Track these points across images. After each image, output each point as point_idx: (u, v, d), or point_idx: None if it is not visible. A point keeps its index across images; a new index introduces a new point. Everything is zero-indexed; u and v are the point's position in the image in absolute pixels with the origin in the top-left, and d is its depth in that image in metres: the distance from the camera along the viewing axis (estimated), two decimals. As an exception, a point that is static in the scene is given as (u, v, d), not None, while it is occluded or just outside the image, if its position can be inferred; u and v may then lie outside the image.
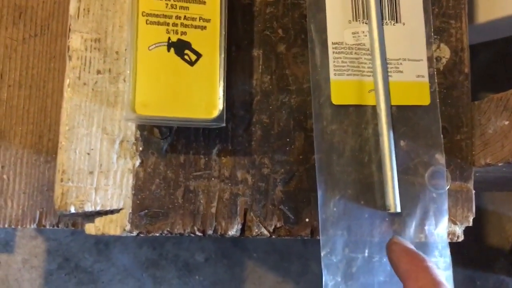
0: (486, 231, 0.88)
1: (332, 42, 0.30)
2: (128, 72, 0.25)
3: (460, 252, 0.82)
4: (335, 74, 0.30)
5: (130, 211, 0.27)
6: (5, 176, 0.42)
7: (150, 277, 0.85)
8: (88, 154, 0.27)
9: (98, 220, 0.27)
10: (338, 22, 0.30)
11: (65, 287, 0.82)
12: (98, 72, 0.27)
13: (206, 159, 0.28)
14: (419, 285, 0.23)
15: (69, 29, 0.27)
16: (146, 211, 0.27)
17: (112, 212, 0.27)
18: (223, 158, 0.28)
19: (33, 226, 0.43)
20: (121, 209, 0.27)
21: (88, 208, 0.26)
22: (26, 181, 0.43)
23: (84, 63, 0.27)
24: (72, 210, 0.26)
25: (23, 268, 0.81)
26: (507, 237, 0.88)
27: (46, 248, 0.83)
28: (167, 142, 0.28)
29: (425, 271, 0.24)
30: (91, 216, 0.28)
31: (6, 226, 0.42)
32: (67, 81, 0.27)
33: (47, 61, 0.44)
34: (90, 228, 0.27)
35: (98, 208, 0.26)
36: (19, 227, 0.43)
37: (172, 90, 0.25)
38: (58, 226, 0.43)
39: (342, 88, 0.30)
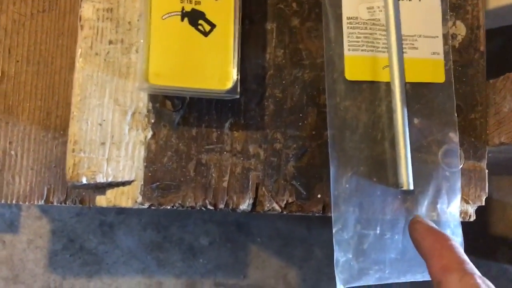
0: (490, 219, 0.88)
1: (347, 17, 0.30)
2: (141, 41, 0.25)
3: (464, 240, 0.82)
4: (349, 50, 0.29)
5: (142, 183, 0.27)
6: (12, 152, 0.42)
7: (154, 259, 0.85)
8: (100, 125, 0.26)
9: (110, 192, 0.27)
10: (353, -3, 0.30)
11: (69, 268, 0.82)
12: (110, 42, 0.27)
13: (218, 132, 0.28)
14: (443, 263, 0.23)
15: (82, -1, 0.27)
16: (158, 183, 0.27)
17: (123, 184, 0.27)
18: (235, 132, 0.28)
19: (41, 202, 0.43)
20: (132, 181, 0.27)
21: (100, 179, 0.26)
22: (33, 157, 0.43)
23: (96, 32, 0.27)
24: (84, 181, 0.26)
25: (27, 248, 0.81)
26: (511, 225, 0.88)
27: (51, 228, 0.83)
28: (179, 115, 0.27)
29: (449, 249, 0.24)
30: (102, 188, 0.28)
31: (14, 202, 0.42)
32: (79, 51, 0.27)
33: (55, 37, 0.44)
34: (101, 201, 0.27)
35: (109, 180, 0.26)
36: (26, 203, 0.42)
37: (185, 60, 0.25)
38: (65, 203, 0.43)
39: (356, 64, 0.29)
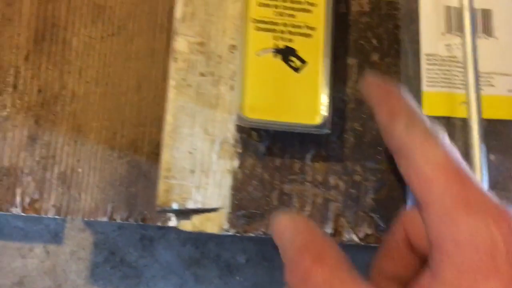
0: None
1: (425, 54, 0.30)
2: (238, 76, 0.26)
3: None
4: (427, 85, 0.30)
5: (229, 210, 0.28)
6: (80, 170, 0.44)
7: (192, 275, 0.86)
8: (190, 153, 0.28)
9: (196, 218, 0.28)
10: (431, 34, 0.31)
11: (109, 280, 0.84)
12: (202, 74, 0.28)
13: (301, 163, 0.29)
14: (389, 108, 0.20)
15: (175, 32, 0.28)
16: (244, 211, 0.28)
17: (209, 210, 0.28)
18: (316, 163, 0.29)
19: (105, 219, 0.44)
20: (219, 208, 0.28)
21: (190, 205, 0.27)
22: (99, 175, 0.44)
23: (189, 65, 0.28)
24: (175, 206, 0.27)
25: (70, 259, 0.83)
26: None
27: (94, 240, 0.85)
28: (265, 145, 0.28)
29: (398, 97, 0.21)
30: (185, 213, 0.29)
31: (80, 217, 0.43)
32: (172, 83, 0.28)
33: (122, 60, 0.46)
34: (186, 225, 0.28)
35: (198, 206, 0.27)
36: (91, 219, 0.44)
37: (278, 95, 0.26)
38: (128, 221, 0.44)
39: (433, 100, 0.30)
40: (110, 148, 0.45)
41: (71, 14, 0.45)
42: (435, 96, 0.30)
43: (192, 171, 0.27)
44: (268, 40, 0.27)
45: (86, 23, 0.45)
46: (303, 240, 0.19)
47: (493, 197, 0.17)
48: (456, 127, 0.30)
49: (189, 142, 0.27)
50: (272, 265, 0.85)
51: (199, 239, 0.85)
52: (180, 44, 0.28)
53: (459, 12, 0.31)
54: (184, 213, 0.29)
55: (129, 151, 0.45)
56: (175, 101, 0.28)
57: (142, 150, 0.45)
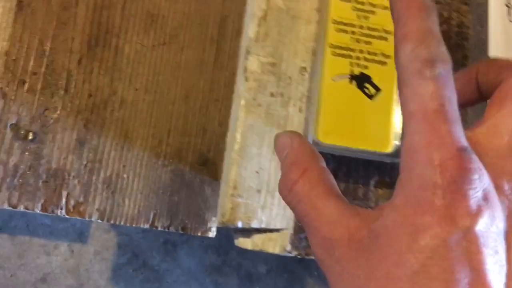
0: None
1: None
2: (313, 100, 0.26)
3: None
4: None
5: (292, 232, 0.28)
6: (125, 176, 0.44)
7: (212, 282, 0.86)
8: (257, 172, 0.28)
9: (257, 237, 0.28)
10: (499, 67, 0.31)
11: (131, 283, 0.84)
12: (272, 95, 0.28)
13: (365, 189, 0.29)
14: (405, 30, 0.19)
15: (247, 51, 0.29)
16: (306, 234, 0.28)
17: (271, 230, 0.28)
18: (380, 189, 0.29)
19: (146, 226, 0.44)
20: (282, 229, 0.28)
21: (255, 224, 0.27)
22: (143, 182, 0.45)
23: (259, 85, 0.28)
24: (240, 225, 0.27)
25: (94, 259, 0.84)
26: None
27: (118, 242, 0.85)
28: (330, 169, 0.29)
29: (419, 18, 0.19)
30: (246, 231, 0.29)
31: (122, 223, 0.44)
32: (242, 101, 0.28)
33: (172, 69, 0.46)
34: (246, 243, 0.28)
35: (262, 226, 0.28)
36: (133, 226, 0.44)
37: (352, 122, 0.26)
38: (169, 229, 0.44)
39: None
40: (155, 156, 0.46)
41: (124, 21, 0.46)
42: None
43: (259, 191, 0.27)
44: (344, 66, 0.27)
45: (139, 31, 0.46)
46: (294, 157, 0.21)
47: (457, 142, 0.17)
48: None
49: (257, 162, 0.28)
50: (292, 277, 0.85)
51: (222, 246, 0.85)
52: (252, 63, 0.28)
53: (528, 46, 0.31)
54: (244, 231, 0.29)
55: (173, 159, 0.46)
56: (245, 120, 0.28)
57: (186, 160, 0.45)
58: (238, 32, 0.47)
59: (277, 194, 0.28)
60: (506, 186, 0.18)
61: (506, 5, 0.31)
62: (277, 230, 0.28)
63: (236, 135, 0.28)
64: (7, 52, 0.43)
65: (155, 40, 0.46)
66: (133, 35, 0.45)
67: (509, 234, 0.18)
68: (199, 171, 0.46)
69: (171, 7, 0.47)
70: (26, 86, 0.43)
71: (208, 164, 0.46)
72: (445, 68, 0.18)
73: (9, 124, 0.42)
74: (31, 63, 0.43)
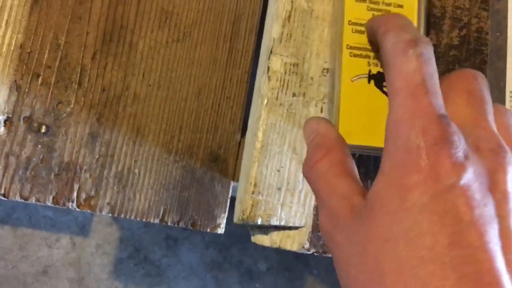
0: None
1: (510, 91, 0.31)
2: (334, 101, 0.27)
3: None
4: (508, 123, 0.31)
5: (310, 230, 0.28)
6: (136, 170, 0.44)
7: (213, 278, 0.87)
8: (278, 171, 0.28)
9: (275, 234, 0.29)
10: (515, 73, 0.31)
11: (132, 277, 0.84)
12: (294, 95, 0.29)
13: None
14: (387, 27, 0.22)
15: (271, 51, 0.29)
16: (324, 232, 0.28)
17: (289, 228, 0.28)
18: (397, 190, 0.29)
19: (156, 221, 0.45)
20: (301, 227, 0.28)
21: (274, 222, 0.28)
22: (154, 177, 0.45)
23: (282, 85, 0.29)
24: (259, 222, 0.28)
25: (95, 253, 0.84)
26: None
27: (119, 236, 0.85)
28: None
29: (398, 19, 0.23)
30: (263, 228, 0.29)
31: (132, 217, 0.44)
32: (265, 100, 0.29)
33: (185, 66, 0.46)
34: (264, 240, 0.29)
35: (282, 223, 0.28)
36: (143, 220, 0.45)
37: (372, 121, 0.27)
38: (178, 224, 0.45)
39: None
40: (166, 152, 0.46)
41: (139, 18, 0.46)
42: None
43: (279, 189, 0.28)
44: (363, 66, 0.27)
45: (153, 27, 0.46)
46: (319, 140, 0.23)
47: (438, 110, 0.19)
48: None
49: (278, 160, 0.28)
50: (293, 275, 0.86)
51: (223, 243, 0.86)
52: (275, 63, 0.29)
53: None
54: (261, 227, 0.29)
55: (184, 156, 0.46)
56: (267, 119, 0.28)
57: (197, 156, 0.46)
58: (251, 30, 0.48)
59: (296, 192, 0.28)
60: (483, 147, 0.20)
61: (524, 13, 0.31)
62: (295, 228, 0.28)
63: (258, 134, 0.28)
64: (22, 45, 0.43)
65: (169, 37, 0.46)
66: (147, 31, 0.45)
67: (493, 191, 0.19)
68: (209, 167, 0.47)
69: (185, 4, 0.47)
70: (40, 79, 0.43)
71: (218, 161, 0.46)
72: (426, 47, 0.20)
73: (22, 117, 0.43)
74: (46, 56, 0.43)
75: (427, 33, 0.30)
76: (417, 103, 0.19)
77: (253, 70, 0.43)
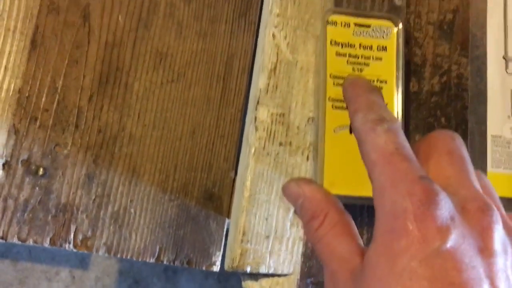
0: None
1: (491, 135, 0.32)
2: (317, 152, 0.27)
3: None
4: (492, 166, 0.31)
5: (298, 277, 0.29)
6: (132, 210, 0.45)
7: (212, 309, 0.86)
8: (266, 219, 0.29)
9: (265, 281, 0.29)
10: (497, 116, 0.32)
11: (132, 309, 0.84)
12: (280, 144, 0.30)
13: (369, 234, 0.30)
14: (355, 106, 0.24)
15: (258, 102, 0.30)
16: (312, 279, 0.29)
17: (279, 275, 0.29)
18: (383, 235, 0.30)
19: (152, 260, 0.45)
20: (289, 274, 0.29)
21: (263, 270, 0.28)
22: (150, 217, 0.45)
23: (269, 134, 0.30)
24: (248, 270, 0.28)
25: (95, 286, 0.84)
26: None
27: (119, 268, 0.85)
28: (336, 216, 0.30)
29: (365, 96, 0.24)
30: (254, 274, 0.30)
31: (129, 257, 0.44)
32: (252, 150, 0.30)
33: (180, 106, 0.47)
34: (254, 286, 0.29)
35: (271, 271, 0.28)
36: (139, 260, 0.45)
37: (355, 170, 0.28)
38: (174, 263, 0.45)
39: (498, 181, 0.31)
40: (162, 191, 0.47)
41: (134, 60, 0.47)
42: (500, 177, 0.31)
43: (267, 237, 0.29)
44: (345, 118, 0.28)
45: (148, 69, 0.47)
46: (310, 205, 0.23)
47: (417, 172, 0.20)
48: (516, 208, 0.31)
49: (266, 209, 0.29)
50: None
51: (222, 273, 0.85)
52: (262, 114, 0.30)
53: (524, 97, 0.32)
54: (252, 274, 0.30)
55: (180, 194, 0.47)
56: (254, 168, 0.29)
57: (192, 194, 0.46)
58: (244, 69, 0.49)
59: (285, 240, 0.29)
60: (469, 207, 0.20)
61: (504, 58, 0.32)
62: (284, 275, 0.29)
63: (246, 183, 0.29)
64: (20, 90, 0.44)
65: (163, 78, 0.48)
66: (142, 73, 0.47)
67: (482, 251, 0.19)
68: (204, 205, 0.47)
69: (179, 45, 0.49)
70: (38, 122, 0.44)
71: (213, 199, 0.47)
72: (392, 124, 0.22)
73: (20, 160, 0.44)
74: (43, 100, 0.44)
75: (407, 83, 0.31)
76: (396, 169, 0.20)
77: (246, 108, 0.44)
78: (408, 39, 0.31)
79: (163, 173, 0.47)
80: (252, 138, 0.29)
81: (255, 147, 0.29)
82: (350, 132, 0.28)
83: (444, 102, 0.32)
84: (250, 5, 0.50)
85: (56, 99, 0.44)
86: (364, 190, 0.27)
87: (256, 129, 0.30)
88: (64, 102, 0.45)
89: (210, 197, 0.47)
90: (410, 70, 0.32)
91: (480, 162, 0.31)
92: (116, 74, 0.47)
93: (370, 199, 0.27)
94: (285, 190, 0.25)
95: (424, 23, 0.32)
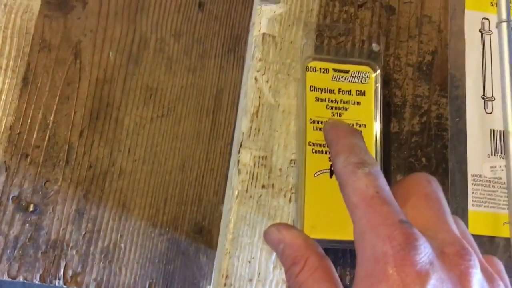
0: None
1: (472, 174, 0.32)
2: (298, 196, 0.28)
3: None
4: (473, 205, 0.32)
5: (282, 320, 0.29)
6: (122, 245, 0.45)
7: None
8: (249, 262, 0.29)
9: (249, 324, 0.29)
10: (477, 155, 0.33)
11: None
12: (263, 186, 0.30)
13: (351, 276, 0.30)
14: (337, 149, 0.24)
15: (240, 145, 0.31)
16: (296, 321, 0.29)
17: (263, 318, 0.29)
18: (366, 276, 0.30)
19: (142, 295, 0.45)
20: (273, 317, 0.29)
21: (246, 314, 0.28)
22: (140, 252, 0.46)
23: (252, 177, 0.30)
24: (232, 314, 0.28)
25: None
26: None
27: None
28: (318, 257, 0.30)
29: (346, 137, 0.24)
30: (238, 317, 0.30)
31: (118, 293, 0.44)
32: (235, 193, 0.30)
33: (170, 140, 0.48)
34: (238, 329, 0.30)
35: (254, 315, 0.29)
36: (129, 295, 0.45)
37: (336, 215, 0.28)
38: (164, 298, 0.45)
39: (478, 219, 0.32)
40: (152, 225, 0.47)
41: (125, 95, 0.48)
42: (480, 216, 0.32)
43: (250, 280, 0.29)
44: (324, 162, 0.29)
45: (138, 104, 0.48)
46: (290, 251, 0.24)
47: (397, 216, 0.20)
48: (499, 246, 0.32)
49: (249, 251, 0.29)
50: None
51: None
52: (245, 157, 0.30)
53: (504, 135, 0.33)
54: (236, 317, 0.30)
55: (169, 228, 0.47)
56: (237, 211, 0.29)
57: (182, 228, 0.47)
58: (233, 103, 0.50)
59: (268, 282, 0.29)
60: (448, 251, 0.21)
61: (482, 97, 0.33)
62: (268, 318, 0.29)
63: (229, 225, 0.29)
64: (11, 127, 0.45)
65: (153, 113, 0.48)
66: (133, 108, 0.47)
67: None
68: (194, 239, 0.47)
69: (169, 80, 0.49)
70: (29, 159, 0.45)
71: (203, 232, 0.47)
72: (372, 167, 0.22)
73: (11, 197, 0.44)
74: (35, 136, 0.45)
75: (388, 123, 0.31)
76: (377, 213, 0.20)
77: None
78: (388, 81, 0.32)
79: (153, 207, 0.47)
80: (235, 181, 0.30)
81: (238, 190, 0.30)
82: (331, 176, 0.29)
83: (424, 142, 0.32)
84: (239, 40, 0.51)
85: (47, 135, 0.45)
86: (344, 234, 0.28)
87: (239, 172, 0.30)
88: (55, 138, 0.45)
89: (200, 231, 0.47)
90: (391, 111, 0.32)
91: (461, 201, 0.32)
92: (107, 109, 0.47)
93: (351, 243, 0.28)
94: (266, 236, 0.25)
95: (404, 65, 0.33)
